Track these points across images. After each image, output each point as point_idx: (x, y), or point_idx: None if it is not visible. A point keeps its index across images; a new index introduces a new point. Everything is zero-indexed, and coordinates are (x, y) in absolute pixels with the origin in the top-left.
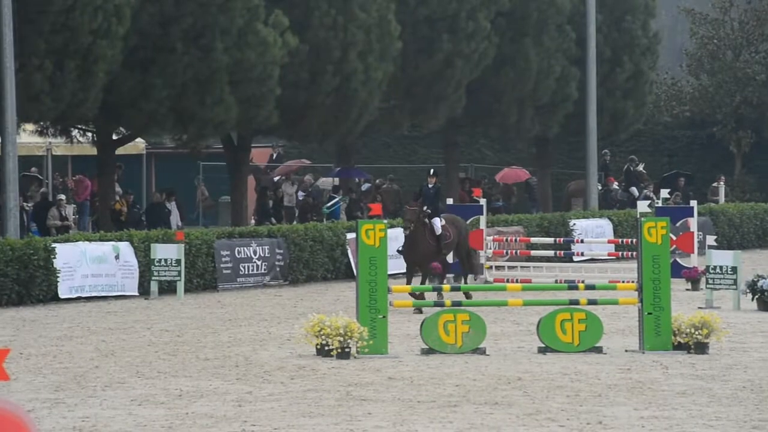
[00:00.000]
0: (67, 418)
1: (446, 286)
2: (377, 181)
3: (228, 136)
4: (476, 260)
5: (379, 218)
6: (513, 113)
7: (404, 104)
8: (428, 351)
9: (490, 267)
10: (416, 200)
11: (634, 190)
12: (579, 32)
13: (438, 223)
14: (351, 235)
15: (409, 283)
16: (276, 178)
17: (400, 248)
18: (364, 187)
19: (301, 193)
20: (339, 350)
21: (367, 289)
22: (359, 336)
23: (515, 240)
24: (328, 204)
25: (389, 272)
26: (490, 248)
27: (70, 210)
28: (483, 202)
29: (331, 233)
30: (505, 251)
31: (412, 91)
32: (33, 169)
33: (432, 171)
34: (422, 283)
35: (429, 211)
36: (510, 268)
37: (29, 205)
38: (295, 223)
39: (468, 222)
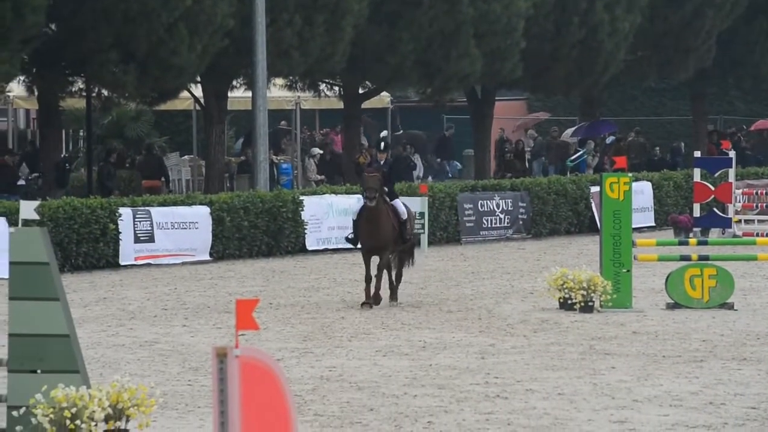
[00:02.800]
0: (314, 367)
1: (693, 240)
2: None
3: (472, 90)
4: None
5: (624, 171)
6: (767, 63)
7: (651, 55)
8: (673, 305)
9: (739, 221)
10: (368, 168)
11: None
12: None
13: (401, 205)
14: (595, 189)
15: (369, 275)
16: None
17: (350, 235)
18: (609, 140)
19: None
20: (582, 304)
21: (611, 243)
22: (603, 290)
23: (765, 193)
24: (572, 157)
25: (633, 226)
26: (739, 202)
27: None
28: (732, 154)
29: (574, 186)
30: (755, 204)
31: (660, 42)
32: (283, 122)
33: (383, 144)
34: (379, 278)
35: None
36: (760, 221)
37: (279, 158)
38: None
39: (716, 175)
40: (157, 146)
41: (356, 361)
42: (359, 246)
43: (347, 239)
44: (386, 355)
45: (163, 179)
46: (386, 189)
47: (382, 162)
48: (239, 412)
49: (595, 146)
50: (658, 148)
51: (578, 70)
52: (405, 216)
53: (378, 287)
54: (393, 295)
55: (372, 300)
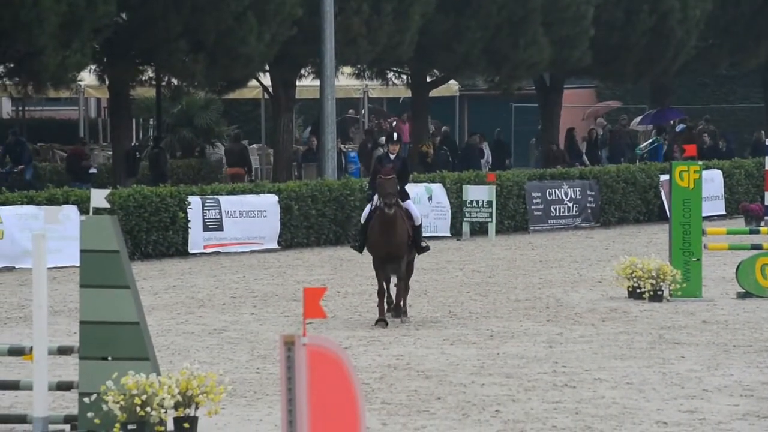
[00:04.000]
0: (381, 355)
1: (764, 229)
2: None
3: (540, 78)
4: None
5: (694, 160)
6: None
7: (723, 42)
8: (744, 295)
9: None
10: (384, 168)
11: None
12: None
13: (415, 208)
14: (664, 177)
15: (382, 288)
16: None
17: (355, 243)
18: (679, 128)
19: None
20: (651, 293)
21: (681, 232)
22: (672, 279)
23: None
24: (642, 145)
25: (704, 215)
26: None
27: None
28: None
29: (644, 175)
30: None
31: (731, 29)
32: (351, 111)
33: (395, 136)
34: (398, 290)
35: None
36: None
37: (347, 146)
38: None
39: None
40: (226, 135)
41: (423, 349)
42: (366, 253)
43: (353, 247)
44: (453, 344)
45: (246, 168)
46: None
47: (393, 156)
48: (307, 400)
49: (664, 133)
50: (722, 142)
51: (648, 57)
52: (419, 221)
53: (400, 298)
54: (398, 310)
55: (391, 312)
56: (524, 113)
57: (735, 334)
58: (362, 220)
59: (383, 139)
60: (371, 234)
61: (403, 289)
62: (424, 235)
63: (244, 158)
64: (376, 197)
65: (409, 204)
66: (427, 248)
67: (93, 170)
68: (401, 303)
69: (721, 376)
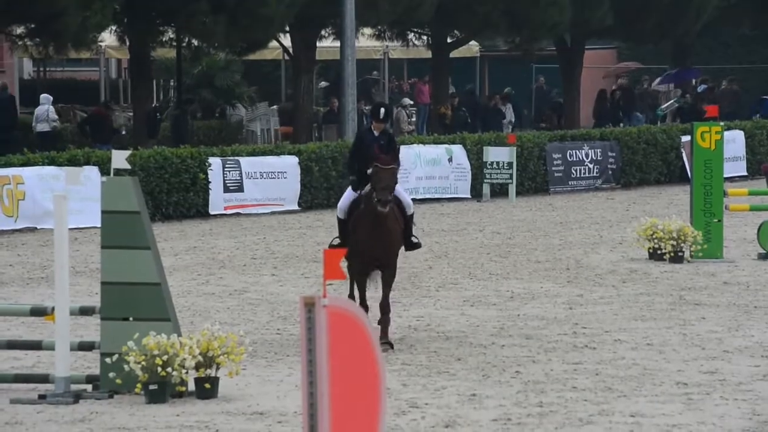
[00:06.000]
0: (402, 317)
1: None
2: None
3: (561, 38)
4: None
5: (716, 120)
6: None
7: (746, 2)
8: (765, 256)
9: None
10: (381, 152)
11: None
12: None
13: (406, 195)
14: (686, 138)
15: (364, 303)
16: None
17: (335, 240)
18: (700, 88)
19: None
20: (672, 254)
21: (702, 193)
22: (693, 240)
23: None
24: (663, 106)
25: (725, 176)
26: None
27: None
28: None
29: (665, 136)
30: None
31: None
32: (375, 72)
33: (382, 111)
34: (382, 319)
35: None
36: None
37: (367, 107)
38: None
39: None
40: (246, 96)
41: (444, 311)
42: (348, 257)
43: (332, 246)
44: (474, 305)
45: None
46: None
47: (377, 134)
48: (327, 361)
49: (685, 94)
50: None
51: (670, 18)
52: (411, 209)
53: (386, 327)
54: (384, 337)
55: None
56: (545, 74)
57: (756, 296)
58: (340, 213)
59: (406, 100)
60: (356, 232)
61: (388, 311)
62: (445, 196)
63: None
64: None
65: (399, 190)
66: (418, 245)
67: (123, 132)
68: (386, 333)
69: (741, 337)
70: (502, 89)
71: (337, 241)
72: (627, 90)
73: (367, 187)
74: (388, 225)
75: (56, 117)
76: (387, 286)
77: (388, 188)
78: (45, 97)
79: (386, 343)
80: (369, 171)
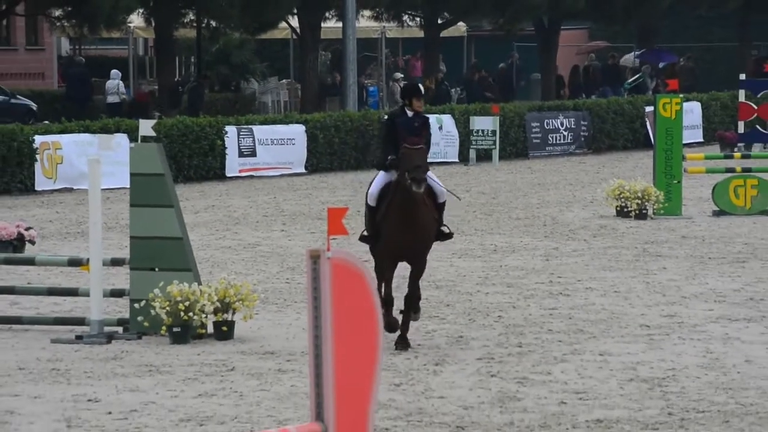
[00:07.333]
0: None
1: (737, 154)
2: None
3: (539, 20)
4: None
5: (676, 93)
6: None
7: None
8: (719, 213)
9: None
10: (414, 135)
11: None
12: None
13: (438, 182)
14: (649, 108)
15: (389, 295)
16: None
17: (365, 232)
18: (661, 64)
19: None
20: (637, 212)
21: (663, 157)
22: (656, 199)
23: None
24: (630, 80)
25: (684, 142)
26: None
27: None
28: None
29: (631, 107)
30: None
31: None
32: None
33: (422, 88)
34: (405, 314)
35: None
36: None
37: (369, 81)
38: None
39: (759, 95)
40: (258, 71)
41: (434, 262)
42: (376, 247)
43: (362, 238)
44: (461, 257)
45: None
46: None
47: (411, 114)
48: (331, 307)
49: (651, 71)
50: None
51: (636, 1)
52: (443, 197)
53: (408, 323)
54: (403, 342)
55: (396, 332)
56: (525, 52)
57: (710, 248)
58: (370, 201)
59: (398, 74)
60: (387, 220)
61: (415, 305)
62: (436, 160)
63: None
64: (389, 174)
65: (430, 176)
66: (450, 235)
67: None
68: (407, 329)
69: (697, 285)
70: (487, 66)
71: (366, 232)
72: (596, 67)
73: (393, 173)
74: (421, 213)
75: (125, 90)
76: (415, 279)
77: (421, 167)
78: (115, 73)
79: (403, 342)
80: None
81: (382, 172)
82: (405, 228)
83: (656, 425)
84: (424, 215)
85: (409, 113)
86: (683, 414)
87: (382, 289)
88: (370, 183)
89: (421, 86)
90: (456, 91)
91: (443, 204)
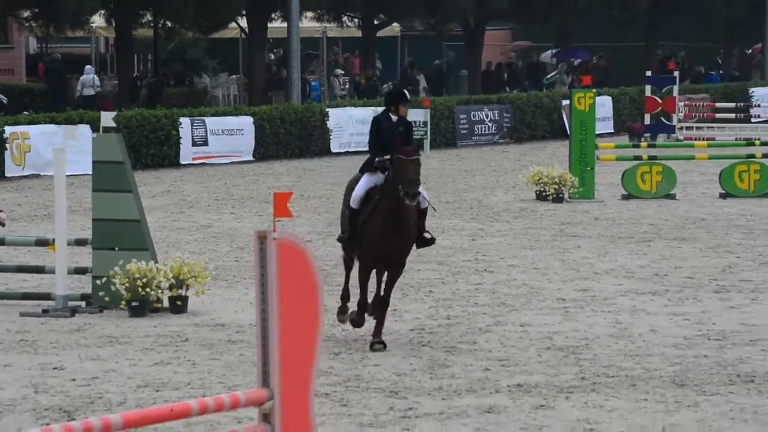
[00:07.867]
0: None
1: (644, 144)
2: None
3: (466, 21)
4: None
5: (589, 88)
6: None
7: None
8: (627, 196)
9: (681, 128)
10: (399, 141)
11: None
12: None
13: (422, 188)
14: (565, 102)
15: (365, 300)
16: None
17: (345, 234)
18: (576, 62)
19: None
20: (554, 195)
21: (578, 146)
22: (571, 184)
23: (702, 105)
24: (548, 76)
25: (596, 132)
26: (682, 112)
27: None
28: (676, 74)
29: (549, 100)
30: (693, 114)
31: None
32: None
33: (406, 94)
34: (385, 303)
35: None
36: (698, 128)
37: (311, 77)
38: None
39: (663, 90)
40: (210, 68)
41: None
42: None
43: (340, 239)
44: None
45: None
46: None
47: (395, 119)
48: (276, 283)
49: (567, 68)
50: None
51: (555, 3)
52: (426, 203)
53: (381, 325)
54: (378, 334)
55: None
56: (453, 51)
57: (620, 228)
58: (353, 204)
59: (338, 70)
60: (371, 228)
61: (385, 310)
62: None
63: None
64: (374, 176)
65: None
66: (432, 241)
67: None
68: (381, 331)
69: (608, 262)
70: (419, 63)
71: (346, 234)
72: (514, 65)
73: (379, 176)
74: (406, 219)
75: (99, 83)
76: (391, 282)
77: (415, 181)
78: (89, 68)
79: (379, 342)
80: (387, 159)
81: (366, 175)
82: (389, 233)
83: (571, 389)
84: (408, 221)
85: (394, 118)
86: (595, 378)
87: (359, 293)
88: (348, 185)
89: (406, 92)
90: (388, 86)
91: (425, 210)
